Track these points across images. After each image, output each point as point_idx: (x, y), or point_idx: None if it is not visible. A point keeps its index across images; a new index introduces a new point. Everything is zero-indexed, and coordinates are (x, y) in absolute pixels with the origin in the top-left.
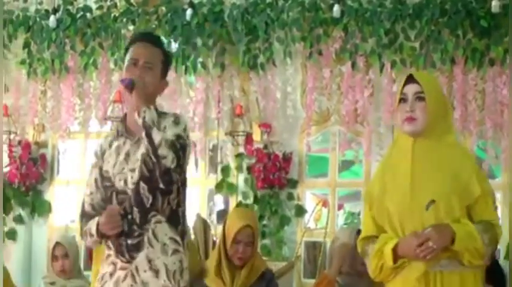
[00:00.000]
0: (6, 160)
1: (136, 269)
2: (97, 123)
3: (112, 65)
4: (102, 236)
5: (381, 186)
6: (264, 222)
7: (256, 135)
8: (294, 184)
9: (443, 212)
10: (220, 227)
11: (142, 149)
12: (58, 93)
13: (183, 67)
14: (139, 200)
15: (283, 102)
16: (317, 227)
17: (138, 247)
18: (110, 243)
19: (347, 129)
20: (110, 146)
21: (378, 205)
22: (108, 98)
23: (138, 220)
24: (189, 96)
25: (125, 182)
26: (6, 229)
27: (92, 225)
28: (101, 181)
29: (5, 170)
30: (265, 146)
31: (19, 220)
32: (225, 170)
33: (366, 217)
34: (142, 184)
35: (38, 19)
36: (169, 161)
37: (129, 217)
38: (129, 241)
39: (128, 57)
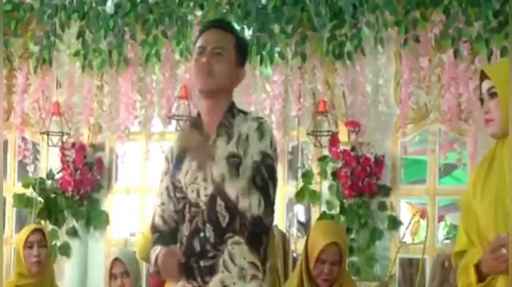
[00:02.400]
0: (58, 164)
1: None
2: (160, 122)
3: (177, 56)
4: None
5: (473, 190)
6: (352, 236)
7: (343, 136)
8: (386, 191)
9: None
10: (301, 242)
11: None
12: (116, 89)
13: (258, 57)
14: (214, 217)
15: (374, 97)
16: (414, 242)
17: (211, 271)
18: None
19: (449, 127)
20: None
21: (467, 212)
22: (173, 94)
23: (212, 240)
24: (265, 91)
25: (198, 193)
26: (58, 243)
27: (152, 255)
28: (173, 191)
29: (57, 176)
30: (353, 148)
31: (73, 233)
32: (307, 175)
33: (461, 228)
34: (218, 201)
35: (93, 5)
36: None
37: (202, 235)
38: (202, 263)
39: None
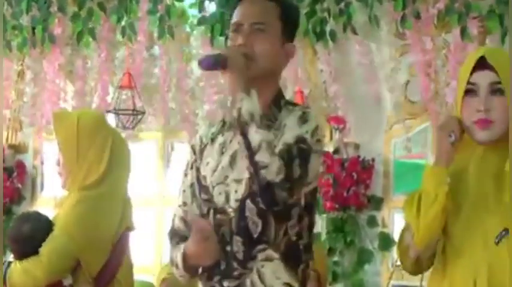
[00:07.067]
0: None
1: None
2: None
3: (118, 36)
4: (191, 270)
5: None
6: (335, 258)
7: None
8: (377, 203)
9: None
10: None
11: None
12: (41, 75)
13: (223, 39)
14: (243, 226)
15: (363, 87)
16: None
17: None
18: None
19: None
20: (213, 140)
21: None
22: (112, 82)
23: (240, 255)
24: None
25: (227, 197)
26: None
27: (177, 253)
28: (199, 188)
29: None
30: (337, 150)
31: None
32: None
33: None
34: (249, 204)
35: None
36: (272, 172)
37: (228, 249)
38: (226, 283)
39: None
